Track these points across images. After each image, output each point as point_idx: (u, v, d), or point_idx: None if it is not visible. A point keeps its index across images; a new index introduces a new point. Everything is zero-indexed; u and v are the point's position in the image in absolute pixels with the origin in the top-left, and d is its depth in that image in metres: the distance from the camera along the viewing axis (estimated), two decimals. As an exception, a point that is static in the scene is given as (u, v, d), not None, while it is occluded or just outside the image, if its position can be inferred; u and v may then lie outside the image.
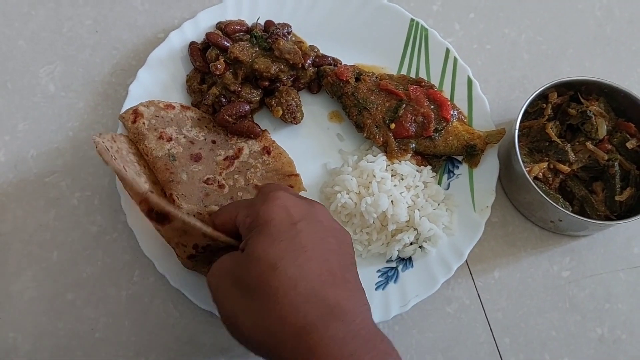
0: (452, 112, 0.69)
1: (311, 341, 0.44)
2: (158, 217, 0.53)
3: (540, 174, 0.66)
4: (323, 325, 0.44)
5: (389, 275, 0.65)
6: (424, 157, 0.70)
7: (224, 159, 0.67)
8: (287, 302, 0.45)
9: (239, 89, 0.69)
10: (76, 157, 0.72)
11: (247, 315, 0.47)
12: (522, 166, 0.64)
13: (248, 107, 0.69)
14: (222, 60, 0.69)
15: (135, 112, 0.66)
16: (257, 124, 0.70)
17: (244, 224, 0.52)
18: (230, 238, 0.54)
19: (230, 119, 0.68)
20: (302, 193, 0.67)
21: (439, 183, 0.70)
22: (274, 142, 0.70)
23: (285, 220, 0.49)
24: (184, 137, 0.67)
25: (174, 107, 0.69)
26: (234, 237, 0.54)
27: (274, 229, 0.49)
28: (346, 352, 0.43)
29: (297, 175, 0.69)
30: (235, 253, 0.51)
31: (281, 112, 0.69)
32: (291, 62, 0.69)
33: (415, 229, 0.65)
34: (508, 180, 0.71)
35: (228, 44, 0.69)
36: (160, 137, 0.66)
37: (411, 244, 0.66)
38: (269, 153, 0.69)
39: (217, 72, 0.68)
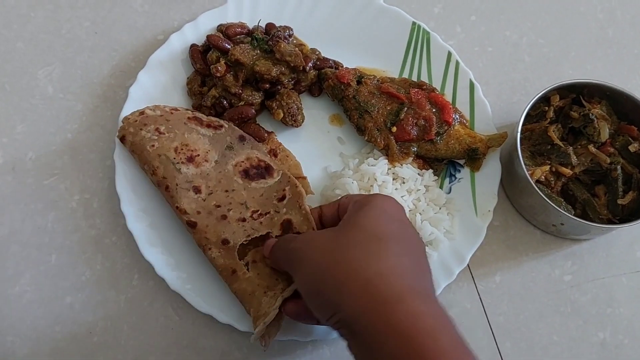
0: (453, 116, 0.68)
1: (410, 304, 0.45)
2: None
3: (543, 177, 0.66)
4: (418, 297, 0.46)
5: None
6: (426, 161, 0.70)
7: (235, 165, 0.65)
8: (388, 264, 0.47)
9: (240, 91, 0.69)
10: (75, 160, 0.71)
11: (339, 264, 0.48)
12: (525, 169, 0.64)
13: (253, 111, 0.69)
14: (223, 62, 0.68)
15: (142, 114, 0.66)
16: (263, 128, 0.69)
17: (353, 203, 0.54)
18: None
19: (233, 123, 0.68)
20: (308, 196, 0.67)
21: (441, 187, 0.69)
22: (280, 144, 0.70)
23: (399, 213, 0.54)
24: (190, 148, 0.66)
25: (179, 111, 0.69)
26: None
27: (385, 213, 0.52)
28: (440, 337, 0.44)
29: (305, 178, 0.68)
30: (331, 228, 0.54)
31: (282, 114, 0.69)
32: (292, 65, 0.69)
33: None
34: (510, 183, 0.70)
35: (229, 46, 0.69)
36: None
37: (412, 247, 0.65)
38: (275, 155, 0.68)
39: (218, 75, 0.68)
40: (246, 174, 0.64)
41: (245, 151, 0.65)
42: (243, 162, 0.65)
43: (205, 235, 0.61)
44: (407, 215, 0.64)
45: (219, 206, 0.62)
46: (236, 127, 0.67)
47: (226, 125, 0.67)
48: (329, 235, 0.52)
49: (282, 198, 0.62)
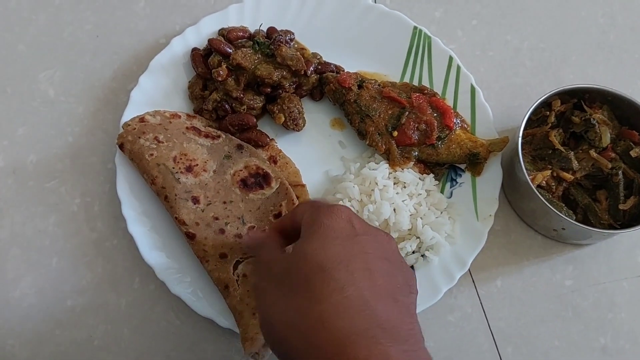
0: (455, 120, 0.68)
1: (356, 354, 0.38)
2: None
3: (544, 182, 0.66)
4: (372, 339, 0.38)
5: (391, 284, 0.65)
6: (427, 165, 0.69)
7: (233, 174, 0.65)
8: (330, 304, 0.40)
9: (241, 95, 0.69)
10: (76, 163, 0.71)
11: (283, 314, 0.42)
12: (526, 174, 0.64)
13: (254, 119, 0.69)
14: (224, 66, 0.68)
15: (142, 121, 0.66)
16: (264, 133, 0.69)
17: (306, 224, 0.48)
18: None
19: (232, 129, 0.68)
20: None
21: (442, 191, 0.69)
22: (280, 151, 0.70)
23: (346, 229, 0.46)
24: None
25: (179, 117, 0.69)
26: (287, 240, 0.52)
27: (331, 232, 0.45)
28: None
29: (304, 185, 0.68)
30: (283, 254, 0.49)
31: (283, 118, 0.69)
32: (294, 69, 0.69)
33: (418, 238, 0.65)
34: (511, 188, 0.70)
35: (230, 50, 0.69)
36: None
37: (413, 252, 0.65)
38: (275, 162, 0.69)
39: (220, 79, 0.68)
40: (244, 184, 0.64)
41: (244, 159, 0.66)
42: (241, 170, 0.65)
43: (204, 248, 0.61)
44: (408, 220, 0.64)
45: (217, 219, 0.62)
46: (233, 137, 0.68)
47: (224, 136, 0.67)
48: (275, 272, 0.46)
49: (279, 215, 0.63)
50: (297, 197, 0.66)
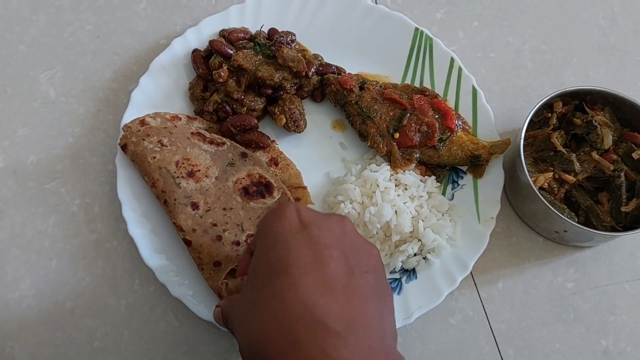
0: (456, 122, 0.68)
1: (307, 354, 0.37)
2: None
3: (546, 184, 0.66)
4: (311, 342, 0.38)
5: (392, 287, 0.64)
6: (428, 167, 0.69)
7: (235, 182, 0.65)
8: (270, 317, 0.40)
9: (242, 96, 0.68)
10: (76, 164, 0.71)
11: (247, 329, 0.42)
12: (528, 176, 0.63)
13: (255, 120, 0.68)
14: (225, 67, 0.68)
15: (142, 123, 0.66)
16: (266, 135, 0.69)
17: (257, 235, 0.47)
18: None
19: (234, 130, 0.68)
20: (309, 206, 0.67)
21: (443, 193, 0.69)
22: (281, 153, 0.70)
23: (292, 225, 0.44)
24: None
25: (180, 119, 0.69)
26: None
27: (276, 233, 0.43)
28: None
29: (305, 187, 0.68)
30: (244, 286, 0.47)
31: (284, 120, 0.69)
32: (295, 70, 0.68)
33: (419, 240, 0.65)
34: (513, 190, 0.70)
35: (231, 52, 0.69)
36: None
37: (415, 254, 0.65)
38: (276, 164, 0.68)
39: (220, 80, 0.68)
40: (246, 192, 0.64)
41: (247, 167, 0.65)
42: (244, 178, 0.65)
43: (199, 255, 0.61)
44: (410, 222, 0.64)
45: (215, 225, 0.62)
46: (238, 145, 0.67)
47: (228, 143, 0.67)
48: (241, 298, 0.45)
49: None
50: (298, 200, 0.66)
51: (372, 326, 0.41)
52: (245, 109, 0.69)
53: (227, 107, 0.69)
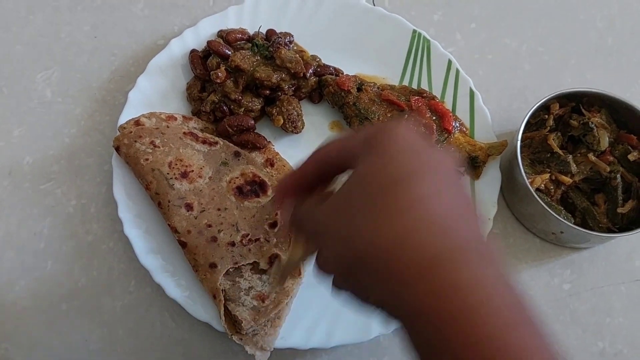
0: (453, 124, 0.68)
1: (443, 277, 0.31)
2: None
3: (542, 185, 0.66)
4: (459, 261, 0.32)
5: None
6: (426, 168, 0.69)
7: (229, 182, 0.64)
8: (409, 219, 0.33)
9: (240, 97, 0.68)
10: (72, 164, 0.71)
11: (351, 241, 0.35)
12: (525, 177, 0.63)
13: (252, 121, 0.68)
14: (223, 68, 0.68)
15: (137, 124, 0.66)
16: (262, 136, 0.69)
17: (363, 146, 0.38)
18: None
19: (231, 130, 0.68)
20: None
21: (441, 194, 0.69)
22: (277, 154, 0.69)
23: (418, 139, 0.37)
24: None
25: (175, 119, 0.68)
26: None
27: (398, 145, 0.36)
28: (498, 299, 0.31)
29: None
30: (336, 194, 0.38)
31: (282, 121, 0.69)
32: (293, 71, 0.68)
33: (417, 241, 0.64)
34: (510, 191, 0.70)
35: (229, 52, 0.69)
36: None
37: (412, 256, 0.65)
38: (272, 165, 0.68)
39: (218, 80, 0.67)
40: (240, 192, 0.64)
41: (240, 167, 0.65)
42: (237, 178, 0.64)
43: (195, 257, 0.61)
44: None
45: (210, 226, 0.61)
46: (231, 144, 0.67)
47: (221, 142, 0.67)
48: (334, 204, 0.38)
49: (274, 224, 0.62)
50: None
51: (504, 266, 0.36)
52: (242, 109, 0.69)
53: (225, 108, 0.69)
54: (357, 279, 0.36)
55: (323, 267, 0.39)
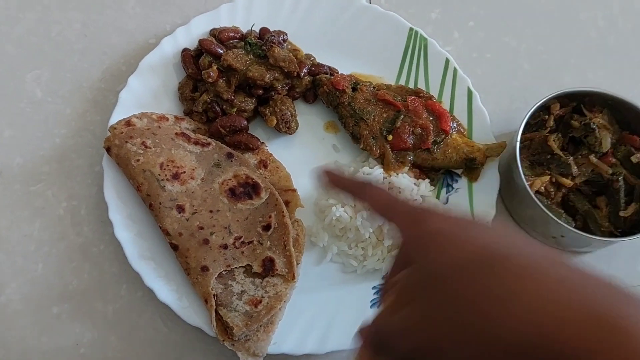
0: (451, 124, 0.67)
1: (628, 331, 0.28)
2: None
3: (542, 187, 0.65)
4: (603, 346, 0.28)
5: (385, 292, 0.63)
6: (422, 170, 0.68)
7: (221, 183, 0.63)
8: (524, 303, 0.30)
9: (232, 97, 0.67)
10: (63, 165, 0.70)
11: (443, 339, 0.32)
12: (524, 180, 0.62)
13: (245, 122, 0.67)
14: (215, 67, 0.67)
15: (128, 124, 0.64)
16: (255, 137, 0.68)
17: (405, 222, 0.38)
18: None
19: (224, 131, 0.66)
20: (298, 209, 0.65)
21: (437, 197, 0.68)
22: (271, 155, 0.68)
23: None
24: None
25: (167, 119, 0.67)
26: None
27: (455, 233, 0.36)
28: None
29: (294, 190, 0.67)
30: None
31: (275, 121, 0.68)
32: (286, 71, 0.67)
33: (413, 245, 0.63)
34: (509, 194, 0.69)
35: (221, 51, 0.68)
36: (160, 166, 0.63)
37: (408, 259, 0.64)
38: (265, 167, 0.67)
39: (210, 80, 0.66)
40: (232, 193, 0.63)
41: (233, 168, 0.64)
42: (230, 179, 0.63)
43: (186, 260, 0.59)
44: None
45: (202, 228, 0.60)
46: (224, 145, 0.66)
47: (214, 143, 0.66)
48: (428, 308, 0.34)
49: (267, 227, 0.61)
50: (287, 203, 0.65)
51: None
52: (235, 109, 0.68)
53: (217, 108, 0.67)
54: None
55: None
